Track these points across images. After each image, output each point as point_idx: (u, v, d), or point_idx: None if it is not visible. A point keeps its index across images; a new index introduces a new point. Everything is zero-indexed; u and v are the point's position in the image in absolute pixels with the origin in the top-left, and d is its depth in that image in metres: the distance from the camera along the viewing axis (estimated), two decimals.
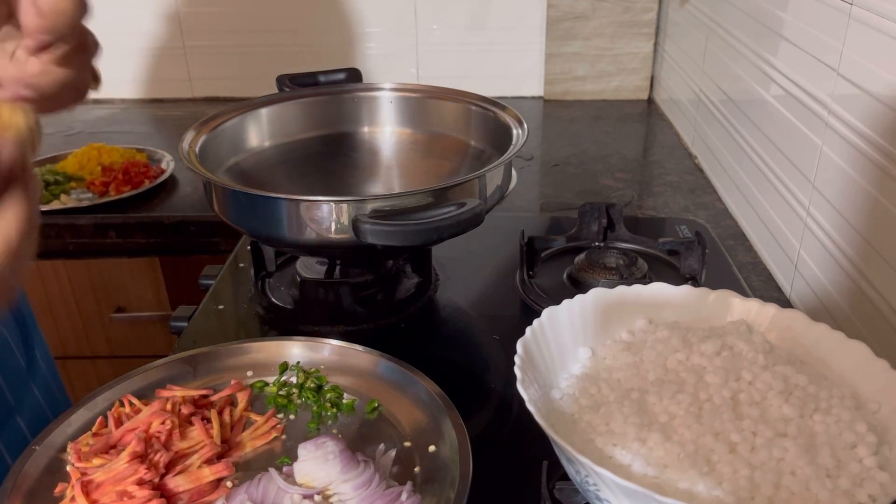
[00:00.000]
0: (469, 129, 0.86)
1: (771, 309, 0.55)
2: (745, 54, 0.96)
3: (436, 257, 0.84)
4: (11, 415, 0.66)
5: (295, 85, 0.91)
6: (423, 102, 0.89)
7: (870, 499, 0.41)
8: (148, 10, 1.48)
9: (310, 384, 0.60)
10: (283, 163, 0.87)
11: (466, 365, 0.70)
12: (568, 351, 0.55)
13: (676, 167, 1.18)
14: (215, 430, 0.54)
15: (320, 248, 0.67)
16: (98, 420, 0.56)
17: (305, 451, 0.50)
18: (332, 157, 0.90)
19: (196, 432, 0.54)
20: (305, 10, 1.48)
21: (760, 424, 0.45)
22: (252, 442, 0.56)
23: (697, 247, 0.79)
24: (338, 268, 0.78)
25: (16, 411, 0.67)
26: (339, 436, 0.55)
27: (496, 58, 1.51)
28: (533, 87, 1.53)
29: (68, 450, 0.54)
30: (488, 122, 0.83)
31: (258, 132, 0.87)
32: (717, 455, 0.44)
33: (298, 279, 0.79)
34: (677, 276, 0.80)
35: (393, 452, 0.54)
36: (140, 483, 0.49)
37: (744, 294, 0.57)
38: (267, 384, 0.61)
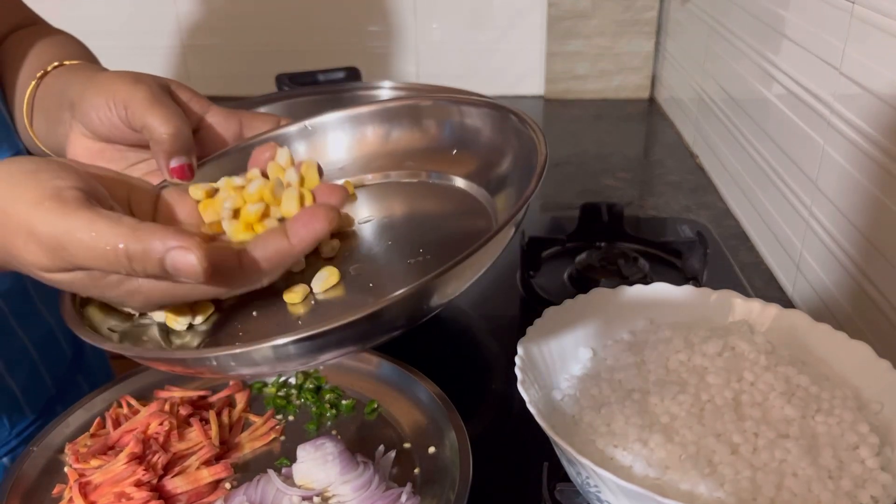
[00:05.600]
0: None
1: (773, 309, 0.55)
2: (746, 53, 0.95)
3: None
4: (52, 405, 0.67)
5: (294, 84, 0.91)
6: None
7: (872, 500, 0.41)
8: (147, 9, 1.48)
9: (309, 385, 0.60)
10: None
11: (466, 365, 0.70)
12: (569, 351, 0.55)
13: (678, 167, 1.17)
14: (214, 432, 0.54)
15: None
16: (96, 421, 0.56)
17: (304, 452, 0.50)
18: None
19: (194, 433, 0.54)
20: (305, 8, 1.48)
21: (762, 425, 0.45)
22: (251, 443, 0.55)
23: (699, 247, 0.79)
24: None
25: (58, 401, 0.67)
26: (339, 437, 0.55)
27: (496, 56, 1.50)
28: (533, 85, 1.52)
29: (66, 451, 0.53)
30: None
31: None
32: (719, 456, 0.43)
33: None
34: (679, 277, 0.80)
35: (392, 454, 0.53)
36: (138, 484, 0.49)
37: (746, 294, 0.57)
38: (266, 385, 0.61)
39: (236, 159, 0.52)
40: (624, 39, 1.44)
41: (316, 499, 0.48)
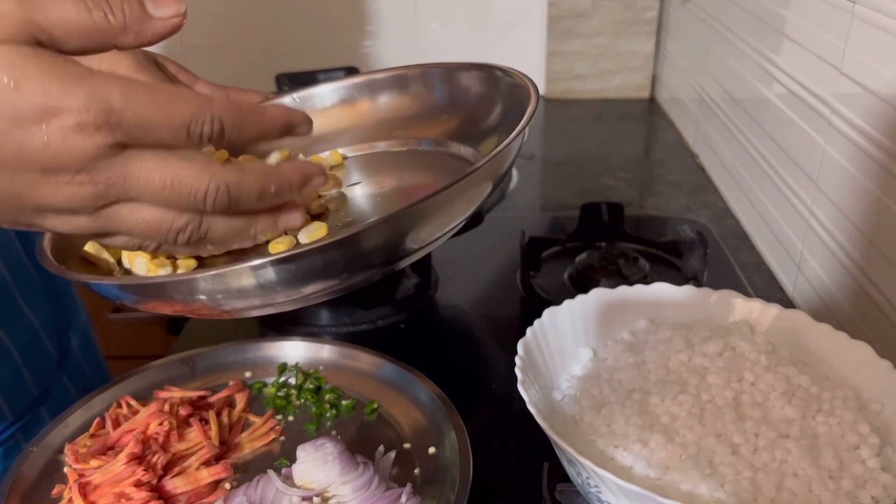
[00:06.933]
0: None
1: (773, 309, 0.55)
2: (747, 53, 0.95)
3: (436, 257, 0.83)
4: (35, 407, 0.66)
5: (294, 84, 0.91)
6: None
7: (872, 500, 0.41)
8: None
9: (309, 385, 0.60)
10: None
11: (466, 366, 0.70)
12: (569, 351, 0.54)
13: (678, 166, 1.17)
14: (213, 432, 0.54)
15: None
16: (95, 421, 0.56)
17: (304, 452, 0.50)
18: None
19: (194, 434, 0.54)
20: (305, 8, 1.48)
21: (763, 426, 0.45)
22: (250, 443, 0.55)
23: (699, 247, 0.78)
24: None
25: (40, 403, 0.67)
26: (339, 437, 0.55)
27: (496, 56, 1.50)
28: None
29: (65, 451, 0.53)
30: None
31: None
32: (720, 457, 0.43)
33: None
34: (679, 277, 0.80)
35: (392, 454, 0.53)
36: (138, 485, 0.49)
37: (746, 294, 0.57)
38: (265, 385, 0.61)
39: None
40: (624, 39, 1.43)
41: (316, 499, 0.48)
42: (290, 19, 1.49)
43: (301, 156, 0.52)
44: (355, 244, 0.37)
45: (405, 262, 0.41)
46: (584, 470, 0.42)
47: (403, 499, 0.48)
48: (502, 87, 0.50)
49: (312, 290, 0.38)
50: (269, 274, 0.36)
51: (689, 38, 1.25)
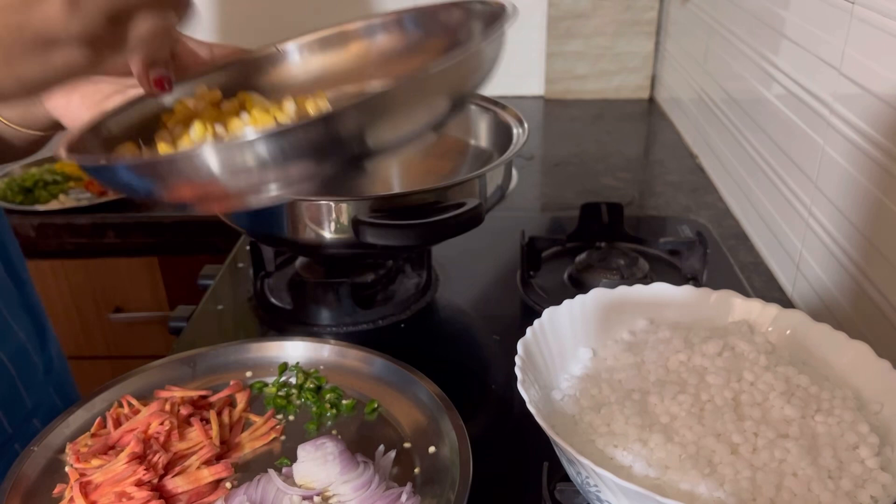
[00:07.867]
0: (469, 129, 0.85)
1: (773, 309, 0.55)
2: (746, 53, 0.95)
3: (436, 257, 0.83)
4: (29, 419, 0.67)
5: None
6: None
7: (872, 500, 0.41)
8: None
9: (309, 385, 0.60)
10: None
11: (466, 365, 0.70)
12: (569, 351, 0.55)
13: (678, 167, 1.17)
14: (214, 431, 0.54)
15: (319, 248, 0.67)
16: (97, 421, 0.56)
17: (305, 452, 0.50)
18: None
19: (195, 433, 0.54)
20: (305, 8, 1.48)
21: (762, 425, 0.45)
22: (251, 443, 0.55)
23: (699, 247, 0.79)
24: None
25: (33, 415, 0.67)
26: (339, 437, 0.55)
27: None
28: (534, 86, 1.52)
29: (67, 451, 0.53)
30: (488, 121, 0.83)
31: None
32: (719, 456, 0.43)
33: (298, 279, 0.79)
34: (679, 277, 0.80)
35: (393, 453, 0.53)
36: (139, 484, 0.49)
37: (745, 294, 0.57)
38: (266, 385, 0.61)
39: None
40: (624, 39, 1.44)
41: (316, 498, 0.48)
42: (290, 19, 1.49)
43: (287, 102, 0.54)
44: (338, 120, 0.38)
45: (388, 152, 0.42)
46: (584, 469, 0.42)
47: (403, 498, 0.48)
48: (479, 13, 0.53)
49: (298, 174, 0.39)
50: (258, 149, 0.37)
51: (689, 39, 1.25)
